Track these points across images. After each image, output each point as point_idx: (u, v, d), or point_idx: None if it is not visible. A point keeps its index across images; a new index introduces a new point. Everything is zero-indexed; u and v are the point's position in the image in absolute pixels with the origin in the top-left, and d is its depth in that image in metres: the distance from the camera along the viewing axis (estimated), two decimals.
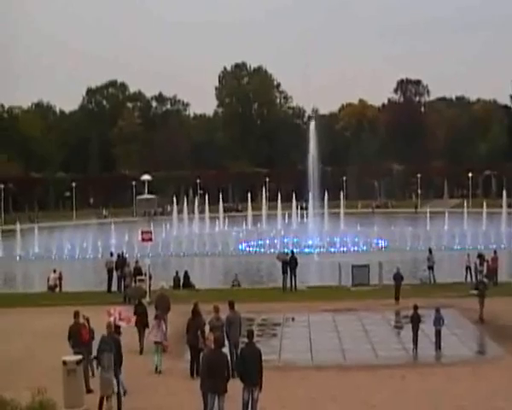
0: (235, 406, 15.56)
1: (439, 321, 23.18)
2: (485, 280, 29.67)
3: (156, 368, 20.56)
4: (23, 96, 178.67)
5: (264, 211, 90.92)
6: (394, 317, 29.30)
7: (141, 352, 23.04)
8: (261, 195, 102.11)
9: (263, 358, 15.73)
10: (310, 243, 59.47)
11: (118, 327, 18.67)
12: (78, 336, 18.56)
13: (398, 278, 31.68)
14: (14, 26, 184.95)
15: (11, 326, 27.77)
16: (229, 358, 16.70)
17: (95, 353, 17.40)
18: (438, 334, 23.20)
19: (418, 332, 23.25)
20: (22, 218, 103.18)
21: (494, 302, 30.97)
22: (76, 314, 19.41)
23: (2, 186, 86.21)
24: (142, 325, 23.13)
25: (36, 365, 21.09)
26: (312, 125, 77.77)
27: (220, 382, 15.02)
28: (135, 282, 34.63)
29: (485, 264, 37.46)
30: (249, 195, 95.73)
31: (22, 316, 30.43)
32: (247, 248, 61.37)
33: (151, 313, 22.90)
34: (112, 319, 18.78)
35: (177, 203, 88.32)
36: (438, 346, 23.22)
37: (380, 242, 61.06)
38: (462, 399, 17.81)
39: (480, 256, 38.07)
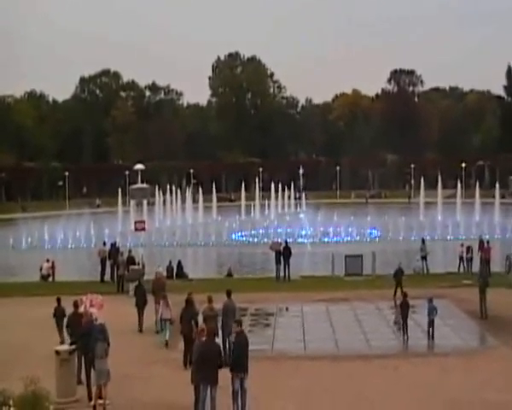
0: (227, 396, 15.57)
1: (432, 311, 23.21)
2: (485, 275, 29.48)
3: (166, 343, 21.90)
4: (15, 84, 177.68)
5: (257, 201, 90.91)
6: (387, 307, 29.33)
7: (140, 330, 24.73)
8: (254, 185, 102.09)
9: (256, 347, 15.76)
10: (303, 232, 59.58)
11: (89, 314, 18.79)
12: (78, 326, 18.50)
13: (398, 274, 30.77)
14: (6, 14, 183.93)
15: (4, 316, 27.72)
16: (221, 347, 16.77)
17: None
18: (431, 324, 23.25)
19: (408, 320, 23.50)
20: (15, 207, 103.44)
21: (487, 293, 31.11)
22: (75, 304, 19.38)
23: None
24: (141, 304, 24.92)
25: (29, 355, 21.03)
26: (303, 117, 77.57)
27: (213, 372, 15.03)
28: (128, 271, 34.68)
29: (480, 253, 37.66)
30: (243, 185, 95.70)
31: (15, 306, 30.38)
32: (241, 238, 61.43)
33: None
34: (83, 306, 18.93)
35: (171, 193, 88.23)
36: (431, 336, 23.27)
37: (373, 232, 61.19)
38: (454, 390, 17.85)
39: (468, 247, 38.38)
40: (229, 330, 20.17)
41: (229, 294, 21.02)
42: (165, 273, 36.40)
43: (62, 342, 19.93)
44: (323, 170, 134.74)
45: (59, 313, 21.38)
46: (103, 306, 19.68)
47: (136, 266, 33.89)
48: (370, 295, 30.68)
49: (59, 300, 21.67)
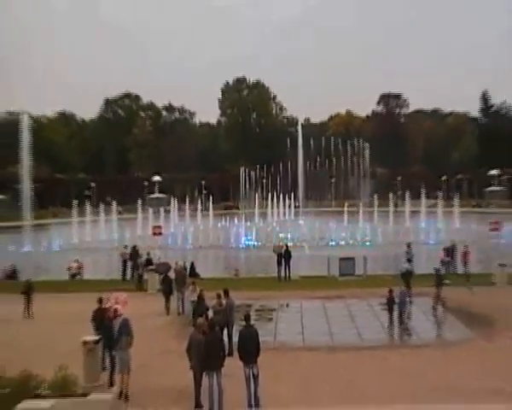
0: (233, 382, 15.54)
1: (403, 300, 24.20)
2: (441, 272, 29.56)
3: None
4: (49, 106, 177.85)
5: (257, 210, 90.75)
6: (377, 303, 29.25)
7: (167, 313, 26.98)
8: (259, 195, 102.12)
9: (260, 339, 15.74)
10: (302, 237, 59.45)
11: (115, 310, 18.83)
12: (102, 320, 18.50)
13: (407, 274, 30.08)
14: (43, 48, 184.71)
15: (37, 310, 27.75)
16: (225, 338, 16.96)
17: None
18: (401, 314, 24.05)
19: (393, 313, 23.99)
20: (47, 214, 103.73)
21: (464, 291, 31.05)
22: (100, 300, 19.39)
23: (32, 186, 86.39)
24: (168, 292, 27.61)
25: (59, 344, 21.05)
26: (301, 135, 77.79)
27: (216, 359, 15.05)
28: (146, 271, 34.80)
29: (462, 255, 37.63)
30: (247, 195, 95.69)
31: (47, 301, 30.36)
32: (246, 242, 61.33)
33: None
34: (109, 304, 18.97)
35: (184, 201, 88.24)
36: (402, 322, 24.03)
37: (364, 237, 61.00)
38: (437, 378, 17.82)
39: (447, 249, 38.27)
40: (232, 323, 20.34)
41: (226, 293, 21.20)
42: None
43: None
44: (320, 181, 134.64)
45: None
46: (127, 303, 19.70)
47: (164, 261, 34.90)
48: (362, 293, 30.63)
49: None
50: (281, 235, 59.91)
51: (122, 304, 19.46)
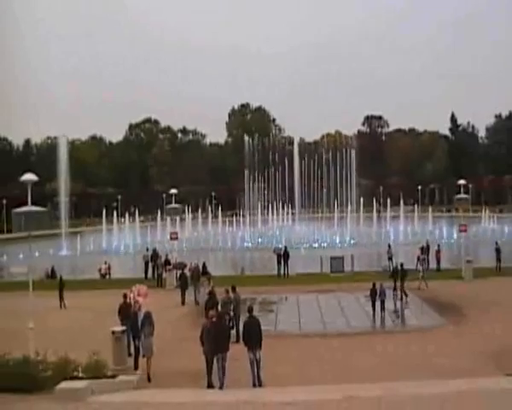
0: (239, 365, 15.58)
1: (383, 293, 24.34)
2: (399, 268, 29.72)
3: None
4: (81, 130, 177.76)
5: (259, 216, 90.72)
6: (363, 296, 29.23)
7: (183, 303, 27.85)
8: (260, 204, 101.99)
9: (262, 328, 15.78)
10: (298, 240, 59.48)
11: (137, 301, 18.92)
12: (126, 313, 18.57)
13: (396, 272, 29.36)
14: (65, 76, 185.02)
15: (72, 305, 27.90)
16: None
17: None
18: (382, 303, 24.26)
19: (375, 303, 24.17)
20: (81, 223, 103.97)
21: (437, 284, 31.08)
22: (125, 295, 19.47)
23: (68, 199, 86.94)
24: (184, 287, 28.51)
25: (92, 334, 21.11)
26: (296, 152, 77.79)
27: (224, 343, 15.14)
28: (165, 271, 34.84)
29: (435, 253, 37.74)
30: (252, 204, 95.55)
31: (81, 297, 30.53)
32: (250, 244, 61.35)
33: None
34: (131, 295, 19.10)
35: (197, 210, 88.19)
36: (382, 309, 24.22)
37: (351, 239, 61.01)
38: (414, 358, 17.86)
39: (422, 248, 38.33)
40: (239, 315, 20.38)
41: (234, 288, 21.25)
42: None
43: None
44: (313, 192, 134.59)
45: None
46: (147, 294, 19.78)
47: (180, 261, 35.68)
48: (350, 288, 30.62)
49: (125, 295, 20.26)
50: (280, 238, 59.89)
51: (143, 296, 19.60)
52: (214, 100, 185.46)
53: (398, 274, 28.49)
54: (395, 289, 28.05)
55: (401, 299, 27.51)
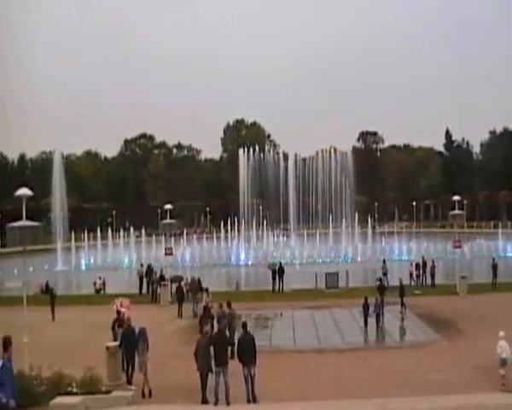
0: (234, 381, 15.55)
1: (378, 307, 24.89)
2: (383, 283, 30.20)
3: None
4: (77, 145, 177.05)
5: (254, 232, 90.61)
6: (358, 312, 29.25)
7: (180, 316, 28.27)
8: (255, 219, 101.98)
9: (257, 343, 15.79)
10: (293, 256, 59.47)
11: (118, 312, 19.40)
12: (119, 328, 18.56)
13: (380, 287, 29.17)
14: (70, 92, 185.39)
15: (67, 319, 27.83)
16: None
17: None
18: (378, 316, 24.75)
19: (368, 317, 24.64)
20: (76, 238, 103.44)
21: (432, 300, 31.18)
22: (118, 311, 19.53)
23: (62, 214, 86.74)
24: (181, 299, 29.15)
25: (86, 349, 21.07)
26: (291, 168, 78.00)
27: (225, 356, 15.12)
28: (160, 286, 34.78)
29: (430, 269, 37.90)
30: (247, 220, 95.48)
31: (76, 312, 30.47)
32: (245, 260, 61.29)
33: None
34: (115, 306, 19.34)
35: (192, 226, 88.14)
36: (378, 323, 24.64)
37: (346, 254, 61.01)
38: (407, 373, 17.89)
39: (417, 264, 38.48)
40: (234, 330, 20.35)
41: (229, 304, 21.33)
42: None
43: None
44: (309, 207, 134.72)
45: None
46: (130, 307, 19.96)
47: (177, 274, 36.87)
48: (344, 303, 30.66)
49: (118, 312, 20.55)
50: (275, 254, 59.89)
51: (126, 308, 19.79)
52: (209, 115, 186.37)
53: (385, 289, 28.80)
54: (382, 302, 28.01)
55: (400, 313, 27.69)
